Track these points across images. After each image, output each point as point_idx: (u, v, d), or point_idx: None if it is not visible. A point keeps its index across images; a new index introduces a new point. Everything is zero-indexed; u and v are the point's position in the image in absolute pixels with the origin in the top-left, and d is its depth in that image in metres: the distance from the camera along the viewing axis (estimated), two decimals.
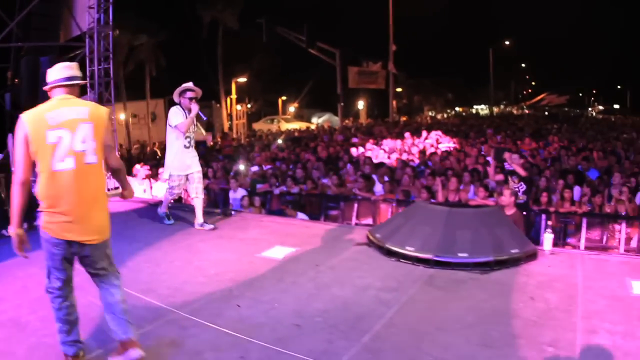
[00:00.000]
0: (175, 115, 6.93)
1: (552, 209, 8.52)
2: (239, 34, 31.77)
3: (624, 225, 8.05)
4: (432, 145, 16.14)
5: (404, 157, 13.74)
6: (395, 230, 6.02)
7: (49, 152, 3.22)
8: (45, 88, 3.46)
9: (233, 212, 8.36)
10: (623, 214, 8.22)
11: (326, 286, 4.88)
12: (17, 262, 4.51)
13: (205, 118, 7.27)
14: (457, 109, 51.52)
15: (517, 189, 8.48)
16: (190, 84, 7.05)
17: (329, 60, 31.10)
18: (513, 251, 5.42)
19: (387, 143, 16.36)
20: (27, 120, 3.26)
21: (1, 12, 10.36)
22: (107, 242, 3.46)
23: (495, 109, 51.39)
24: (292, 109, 41.86)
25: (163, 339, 3.81)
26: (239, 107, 36.50)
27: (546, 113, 42.59)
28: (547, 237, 5.97)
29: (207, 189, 9.95)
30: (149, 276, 5.17)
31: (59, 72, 3.43)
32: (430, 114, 47.00)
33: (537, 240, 8.23)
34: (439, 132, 18.86)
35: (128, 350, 3.34)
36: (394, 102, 42.93)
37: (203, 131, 7.83)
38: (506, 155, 8.67)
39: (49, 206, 3.25)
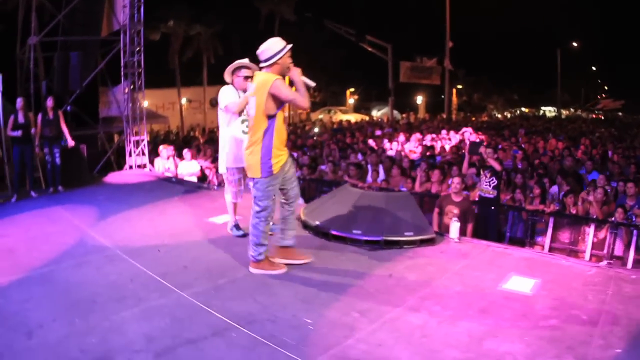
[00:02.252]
0: (227, 94, 5.70)
1: (526, 206, 8.34)
2: (296, 26, 32.29)
3: (592, 228, 7.76)
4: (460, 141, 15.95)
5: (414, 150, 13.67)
6: (317, 208, 6.45)
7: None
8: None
9: (216, 188, 9.14)
10: (594, 217, 7.90)
11: (227, 245, 5.62)
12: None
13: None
14: (523, 109, 49.73)
15: (487, 183, 8.34)
16: (245, 60, 5.76)
17: (382, 55, 30.93)
18: (407, 234, 5.60)
19: (415, 137, 16.31)
20: None
21: (50, 6, 11.52)
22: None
23: (565, 112, 49.26)
24: (351, 100, 42.24)
25: (96, 266, 5.01)
26: None
27: (602, 117, 40.50)
28: (454, 226, 5.97)
29: None
30: (116, 227, 6.48)
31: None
32: (494, 113, 45.75)
33: (501, 235, 8.21)
34: (469, 129, 18.53)
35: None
36: (455, 99, 42.29)
37: None
38: (481, 149, 8.52)
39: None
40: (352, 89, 43.35)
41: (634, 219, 7.83)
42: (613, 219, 7.76)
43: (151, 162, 11.86)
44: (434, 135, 16.87)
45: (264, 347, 3.33)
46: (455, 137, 16.71)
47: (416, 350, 3.38)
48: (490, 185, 8.32)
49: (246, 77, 5.59)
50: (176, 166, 11.30)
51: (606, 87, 56.06)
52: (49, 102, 9.18)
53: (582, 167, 10.64)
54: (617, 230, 7.68)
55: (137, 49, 11.56)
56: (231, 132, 5.71)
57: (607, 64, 51.45)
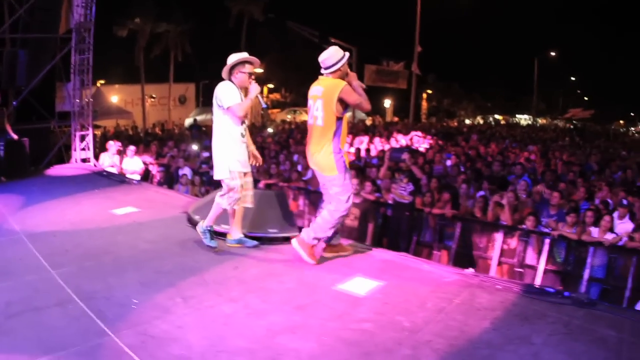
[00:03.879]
0: (231, 94, 5.15)
1: (432, 210, 8.18)
2: (265, 26, 32.23)
3: (500, 234, 7.62)
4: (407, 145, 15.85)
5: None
6: (203, 205, 6.38)
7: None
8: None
9: (136, 182, 9.62)
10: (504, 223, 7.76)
11: (112, 233, 5.97)
12: None
13: (265, 105, 5.53)
14: (496, 116, 49.84)
15: (403, 188, 8.20)
16: (246, 54, 5.30)
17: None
18: (271, 231, 5.71)
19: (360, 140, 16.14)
20: None
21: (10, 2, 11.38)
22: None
23: (542, 120, 49.50)
24: None
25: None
26: (266, 97, 36.98)
27: (570, 126, 40.75)
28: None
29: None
30: (32, 214, 6.85)
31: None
32: (463, 119, 45.82)
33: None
34: (418, 133, 18.46)
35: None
36: (425, 104, 42.32)
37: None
38: (404, 155, 8.38)
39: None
40: None
41: (541, 228, 7.71)
42: (524, 226, 7.64)
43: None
44: (381, 139, 16.71)
45: (86, 319, 3.69)
46: (402, 141, 16.57)
47: (207, 335, 3.52)
48: (406, 191, 8.19)
49: (250, 74, 5.24)
50: (121, 162, 11.38)
51: (586, 98, 56.49)
52: None
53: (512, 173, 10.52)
54: (527, 238, 7.55)
55: (87, 47, 11.73)
56: (236, 134, 5.24)
57: (585, 74, 52.06)
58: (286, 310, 3.95)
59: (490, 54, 44.12)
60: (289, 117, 33.75)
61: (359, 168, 9.80)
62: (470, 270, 5.09)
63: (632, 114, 53.26)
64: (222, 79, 5.28)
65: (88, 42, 11.66)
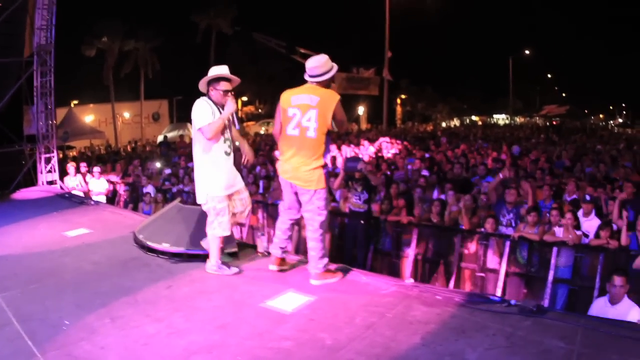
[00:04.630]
0: (202, 113, 4.77)
1: (387, 218, 7.86)
2: (235, 39, 32.02)
3: (457, 239, 7.28)
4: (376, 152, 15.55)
5: None
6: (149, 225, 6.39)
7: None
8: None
9: (93, 203, 9.47)
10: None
11: (60, 255, 5.89)
12: None
13: (238, 127, 5.16)
14: (473, 117, 49.94)
15: (358, 197, 7.88)
16: (224, 69, 4.92)
17: None
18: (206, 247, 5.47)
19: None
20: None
21: None
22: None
23: (520, 119, 49.66)
24: None
25: None
26: (240, 111, 36.74)
27: (547, 124, 40.80)
28: (260, 240, 5.77)
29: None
30: None
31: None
32: (439, 122, 45.80)
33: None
34: (387, 139, 18.22)
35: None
36: (399, 109, 42.23)
37: (240, 142, 5.38)
38: (359, 165, 8.04)
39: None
40: None
41: (502, 229, 7.40)
42: (483, 229, 7.31)
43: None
44: (349, 146, 16.42)
45: (20, 340, 3.70)
46: (369, 148, 16.29)
47: (126, 355, 3.51)
48: (360, 199, 7.88)
49: (225, 91, 4.86)
50: (87, 183, 11.51)
51: (564, 94, 56.79)
52: None
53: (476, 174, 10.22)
54: (487, 241, 7.22)
55: (49, 69, 11.68)
56: (217, 155, 4.87)
57: (561, 71, 52.44)
58: (207, 330, 3.85)
59: (464, 56, 44.53)
60: (262, 130, 33.42)
61: None
62: (410, 280, 4.77)
63: (610, 107, 53.81)
64: (196, 94, 4.97)
65: (49, 65, 11.62)
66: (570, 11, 47.91)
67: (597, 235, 6.83)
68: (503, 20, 47.41)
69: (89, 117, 30.46)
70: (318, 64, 4.64)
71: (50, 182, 11.79)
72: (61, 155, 20.88)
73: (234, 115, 4.93)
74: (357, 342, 3.50)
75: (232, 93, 4.94)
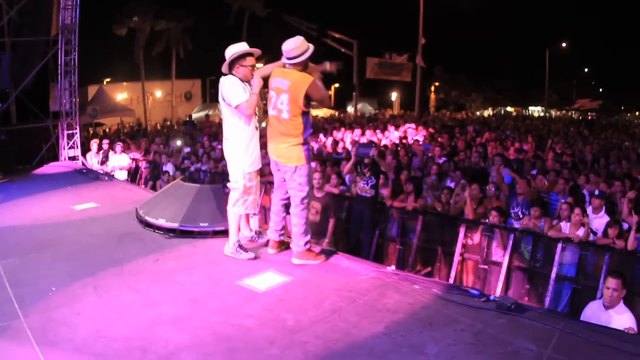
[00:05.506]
0: (236, 91, 4.80)
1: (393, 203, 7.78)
2: (269, 21, 31.95)
3: (462, 229, 7.14)
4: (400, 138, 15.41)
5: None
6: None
7: None
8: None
9: (107, 178, 9.66)
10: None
11: (64, 227, 6.12)
12: None
13: (264, 102, 5.10)
14: (508, 108, 48.82)
15: (365, 182, 7.81)
16: (245, 45, 4.94)
17: (347, 52, 30.15)
18: (202, 224, 5.69)
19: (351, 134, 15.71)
20: None
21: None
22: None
23: (556, 112, 48.39)
24: None
25: None
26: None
27: (580, 118, 39.53)
28: (253, 219, 5.74)
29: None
30: (3, 210, 7.05)
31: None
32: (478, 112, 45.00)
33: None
34: (412, 125, 17.97)
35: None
36: (433, 96, 41.64)
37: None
38: (372, 151, 7.97)
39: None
40: (337, 84, 42.62)
41: (511, 221, 7.21)
42: (487, 220, 7.15)
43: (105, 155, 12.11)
44: (373, 131, 16.26)
45: (8, 304, 3.93)
46: (394, 134, 16.10)
47: (98, 321, 3.67)
48: (368, 184, 7.80)
49: (253, 66, 4.92)
50: (106, 160, 11.69)
51: (601, 89, 55.13)
52: None
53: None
54: (491, 233, 7.06)
55: (73, 48, 12.01)
56: (249, 131, 4.96)
57: (599, 65, 50.89)
58: (179, 303, 3.99)
59: (500, 45, 43.33)
60: None
61: (323, 161, 9.44)
62: (392, 267, 4.71)
63: None
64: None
65: (74, 44, 11.95)
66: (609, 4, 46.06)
67: (605, 233, 6.59)
68: (540, 10, 45.98)
69: (121, 94, 31.02)
70: (294, 45, 4.62)
71: (72, 158, 12.20)
72: (91, 132, 21.60)
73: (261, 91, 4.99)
74: (319, 326, 3.52)
75: (255, 69, 4.97)
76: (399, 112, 36.47)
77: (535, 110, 49.03)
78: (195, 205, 5.88)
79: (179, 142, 13.83)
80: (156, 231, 5.77)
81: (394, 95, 41.43)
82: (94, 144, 12.05)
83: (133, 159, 12.01)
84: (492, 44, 42.61)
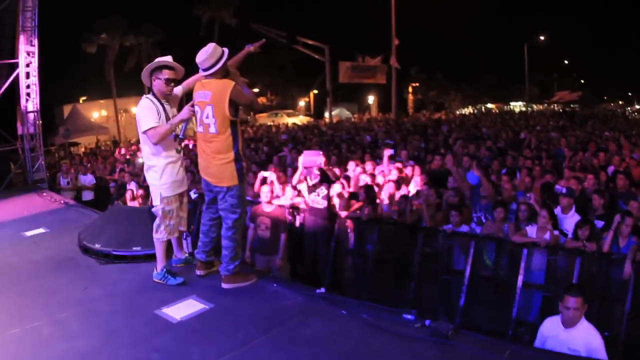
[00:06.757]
0: (146, 115, 4.51)
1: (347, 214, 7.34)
2: (240, 30, 31.74)
3: (420, 236, 6.67)
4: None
5: None
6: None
7: None
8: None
9: (64, 202, 9.58)
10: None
11: (20, 254, 6.10)
12: None
13: (181, 136, 4.66)
14: (489, 105, 48.78)
15: (317, 193, 7.34)
16: (167, 58, 4.71)
17: (318, 57, 29.84)
18: (135, 249, 5.61)
19: None
20: None
21: None
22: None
23: (538, 106, 48.33)
24: (302, 103, 41.63)
25: None
26: None
27: (561, 110, 39.41)
28: (186, 242, 5.48)
29: None
30: None
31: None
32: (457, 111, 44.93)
33: None
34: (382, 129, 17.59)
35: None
36: (410, 97, 41.46)
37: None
38: (319, 160, 7.55)
39: None
40: (315, 91, 42.41)
41: (474, 227, 6.77)
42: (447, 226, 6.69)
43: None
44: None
45: None
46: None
47: (10, 354, 3.65)
48: (319, 195, 7.31)
49: (168, 80, 4.65)
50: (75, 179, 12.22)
51: (582, 81, 55.18)
52: None
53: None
54: (451, 241, 6.58)
55: (32, 71, 12.04)
56: (167, 154, 4.69)
57: (579, 57, 51.02)
58: (94, 335, 3.90)
59: (476, 42, 43.37)
60: (271, 121, 33.06)
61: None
62: (322, 290, 4.27)
63: (629, 94, 52.09)
64: None
65: (34, 67, 11.99)
66: None
67: (575, 235, 6.09)
68: (514, 3, 46.16)
69: (97, 113, 30.65)
70: (206, 55, 4.36)
71: (37, 181, 12.14)
72: (62, 154, 21.15)
73: (186, 123, 4.59)
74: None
75: (173, 85, 4.74)
76: (377, 115, 36.21)
77: (517, 106, 49.02)
78: (130, 228, 5.85)
79: (140, 160, 13.35)
80: (92, 256, 5.72)
81: (371, 99, 41.23)
82: (63, 164, 12.56)
83: (96, 178, 12.27)
84: (469, 42, 42.75)
